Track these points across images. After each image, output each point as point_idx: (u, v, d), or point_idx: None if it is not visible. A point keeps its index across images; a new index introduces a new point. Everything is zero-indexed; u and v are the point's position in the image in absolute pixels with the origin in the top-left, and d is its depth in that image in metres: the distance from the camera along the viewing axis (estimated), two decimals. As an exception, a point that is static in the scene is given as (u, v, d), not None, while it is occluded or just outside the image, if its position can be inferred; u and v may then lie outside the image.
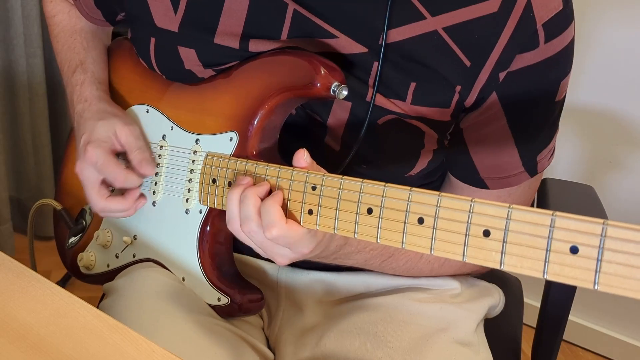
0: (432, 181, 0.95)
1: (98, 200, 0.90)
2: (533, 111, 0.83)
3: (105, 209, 0.91)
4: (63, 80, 1.04)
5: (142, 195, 0.92)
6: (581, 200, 1.15)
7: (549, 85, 0.82)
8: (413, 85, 0.80)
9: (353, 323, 0.87)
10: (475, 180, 0.88)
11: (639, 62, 1.78)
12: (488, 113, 0.82)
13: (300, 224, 0.71)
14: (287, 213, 0.72)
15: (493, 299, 0.97)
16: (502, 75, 0.79)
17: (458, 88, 0.80)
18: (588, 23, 1.81)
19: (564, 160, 1.93)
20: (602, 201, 1.12)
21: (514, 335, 1.10)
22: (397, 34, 0.79)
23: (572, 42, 0.81)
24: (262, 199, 0.73)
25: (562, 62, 0.81)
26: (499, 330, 1.02)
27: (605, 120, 1.87)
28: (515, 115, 0.82)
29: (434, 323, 0.87)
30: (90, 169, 0.89)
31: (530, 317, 1.13)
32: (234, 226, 0.75)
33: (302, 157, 0.73)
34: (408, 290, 0.92)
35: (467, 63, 0.79)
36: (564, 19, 0.78)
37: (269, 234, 0.70)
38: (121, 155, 0.92)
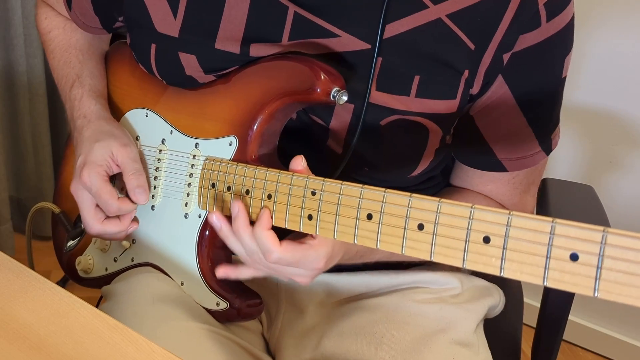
0: (434, 176, 0.95)
1: (94, 224, 0.90)
2: (541, 89, 0.84)
3: (102, 232, 0.90)
4: (61, 97, 1.02)
5: (135, 220, 0.92)
6: (581, 200, 1.15)
7: (554, 63, 0.83)
8: (417, 78, 0.80)
9: (353, 324, 0.87)
10: (492, 164, 0.88)
11: (639, 63, 1.78)
12: (496, 96, 0.83)
13: (299, 229, 0.71)
14: (288, 217, 0.73)
15: (493, 299, 0.97)
16: (506, 57, 0.80)
17: (465, 74, 0.80)
18: (588, 23, 1.81)
19: (564, 160, 1.93)
20: (602, 201, 1.12)
21: (514, 335, 1.09)
22: (401, 26, 0.79)
23: (572, 19, 0.82)
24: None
25: (565, 39, 0.82)
26: (499, 330, 1.02)
27: (605, 120, 1.87)
28: (523, 94, 0.83)
29: (434, 323, 0.87)
30: (85, 192, 0.89)
31: (530, 317, 1.13)
32: (252, 264, 0.78)
33: (300, 162, 0.74)
34: (408, 289, 0.92)
35: (472, 46, 0.79)
36: None
37: (269, 258, 0.72)
38: (117, 177, 0.92)
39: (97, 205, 0.90)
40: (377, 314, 0.88)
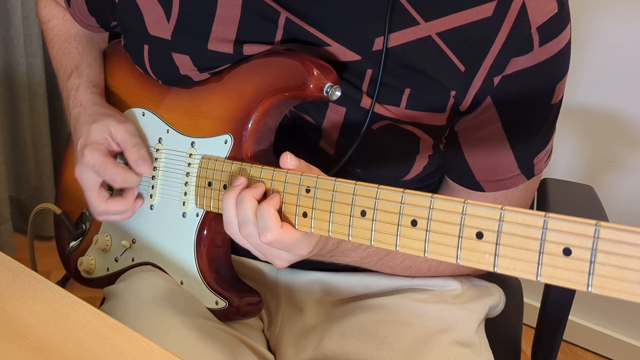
0: (431, 183, 0.95)
1: (98, 204, 0.89)
2: (528, 114, 0.82)
3: (106, 211, 0.90)
4: (59, 85, 1.03)
5: (139, 196, 0.92)
6: (581, 200, 1.15)
7: (544, 88, 0.81)
8: (407, 91, 0.80)
9: (354, 324, 0.87)
10: (471, 182, 0.88)
11: (639, 62, 1.78)
12: (482, 116, 0.82)
13: (295, 227, 0.71)
14: (282, 216, 0.72)
15: (494, 299, 0.97)
16: (496, 79, 0.79)
17: (453, 93, 0.80)
18: (587, 22, 1.81)
19: (564, 160, 1.93)
20: (602, 201, 1.12)
21: (514, 335, 1.09)
22: (390, 40, 0.78)
23: (567, 45, 0.80)
24: (259, 201, 0.73)
25: (558, 65, 0.80)
26: (499, 330, 1.02)
27: (605, 120, 1.86)
28: (509, 118, 0.82)
29: (435, 324, 0.87)
30: (89, 172, 0.89)
31: (530, 317, 1.13)
32: (232, 230, 0.75)
33: (286, 160, 0.72)
34: (409, 290, 0.92)
35: (462, 68, 0.78)
36: (559, 22, 0.78)
37: (264, 238, 0.70)
38: (119, 156, 0.92)
39: (101, 186, 0.90)
40: (378, 314, 0.88)
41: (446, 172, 0.91)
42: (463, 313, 0.90)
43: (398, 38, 0.78)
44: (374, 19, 0.78)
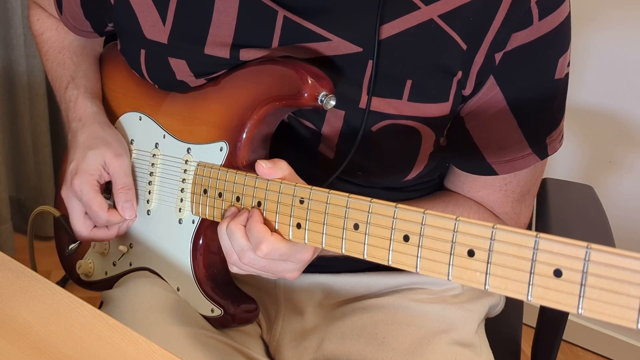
0: (431, 179, 0.95)
1: (82, 231, 0.91)
2: (533, 91, 0.82)
3: (89, 238, 0.92)
4: (57, 98, 1.02)
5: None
6: (581, 200, 1.15)
7: (547, 63, 0.81)
8: (409, 82, 0.79)
9: (354, 325, 0.87)
10: (483, 168, 0.87)
11: (639, 63, 1.77)
12: (487, 97, 0.82)
13: (289, 238, 0.71)
14: (277, 226, 0.72)
15: (493, 299, 0.97)
16: (498, 56, 0.78)
17: (458, 75, 0.79)
18: (588, 23, 1.80)
19: (564, 160, 1.93)
20: (602, 201, 1.11)
21: (514, 335, 1.10)
22: (393, 28, 0.78)
23: (567, 19, 0.80)
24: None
25: (559, 38, 0.80)
26: (499, 330, 1.02)
27: (605, 120, 1.86)
28: (514, 96, 0.81)
29: (435, 324, 0.87)
30: (76, 200, 0.90)
31: (530, 317, 1.13)
32: (232, 258, 0.77)
33: (262, 166, 0.74)
34: (408, 290, 0.92)
35: (464, 46, 0.78)
36: None
37: (260, 252, 0.71)
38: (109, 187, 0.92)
39: (86, 214, 0.90)
40: (378, 314, 0.88)
41: (455, 163, 0.91)
42: (463, 313, 0.90)
43: (400, 25, 0.78)
44: (373, 9, 0.77)
